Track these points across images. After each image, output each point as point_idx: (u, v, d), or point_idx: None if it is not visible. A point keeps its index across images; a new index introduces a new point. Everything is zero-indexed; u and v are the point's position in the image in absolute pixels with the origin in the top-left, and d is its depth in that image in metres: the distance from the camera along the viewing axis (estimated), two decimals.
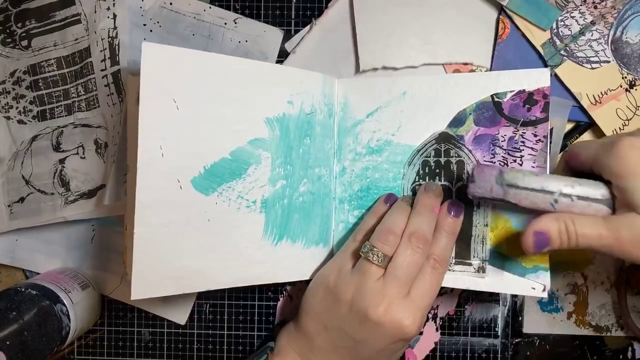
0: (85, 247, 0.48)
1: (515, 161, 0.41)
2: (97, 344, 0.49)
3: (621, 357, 0.48)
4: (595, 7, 0.44)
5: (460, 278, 0.42)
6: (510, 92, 0.42)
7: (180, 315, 0.48)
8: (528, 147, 0.41)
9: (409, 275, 0.38)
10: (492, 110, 0.42)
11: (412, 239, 0.38)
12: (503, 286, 0.41)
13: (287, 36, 0.47)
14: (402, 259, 0.38)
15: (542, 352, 0.44)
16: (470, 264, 0.42)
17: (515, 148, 0.42)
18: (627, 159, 0.33)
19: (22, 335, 0.39)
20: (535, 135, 0.41)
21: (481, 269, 0.41)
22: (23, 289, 0.42)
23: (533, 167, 0.41)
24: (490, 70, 0.46)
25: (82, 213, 0.47)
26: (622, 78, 0.44)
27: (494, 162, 0.42)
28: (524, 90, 0.41)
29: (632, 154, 0.33)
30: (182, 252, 0.38)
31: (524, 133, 0.41)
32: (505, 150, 0.42)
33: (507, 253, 0.41)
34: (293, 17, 0.47)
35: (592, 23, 0.44)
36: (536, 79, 0.41)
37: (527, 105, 0.41)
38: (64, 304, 0.43)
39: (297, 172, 0.43)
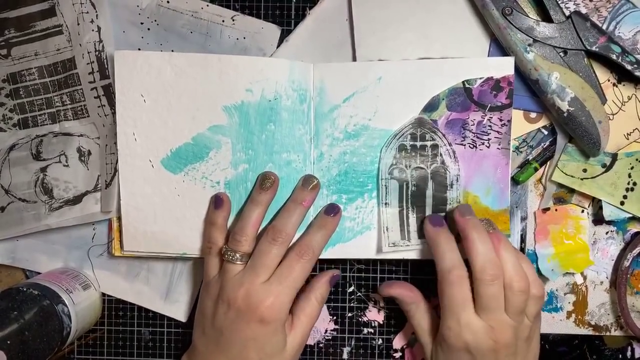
0: (87, 246, 0.49)
1: (483, 144, 0.44)
2: (97, 344, 0.49)
3: (620, 356, 0.48)
4: (591, 0, 0.44)
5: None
6: (480, 78, 0.44)
7: (181, 313, 0.49)
8: (494, 130, 0.44)
9: (264, 264, 0.41)
10: (463, 96, 0.44)
11: (269, 232, 0.42)
12: None
13: (286, 34, 0.47)
14: (257, 250, 0.42)
15: (542, 351, 0.43)
16: None
17: (483, 131, 0.44)
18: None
19: (22, 334, 0.40)
20: (501, 120, 0.44)
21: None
22: (25, 289, 0.42)
23: (499, 148, 0.44)
24: None
25: (67, 220, 0.47)
26: (611, 73, 0.44)
27: (464, 145, 0.44)
28: (492, 77, 0.44)
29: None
30: (159, 219, 0.46)
31: (491, 118, 0.44)
32: (474, 133, 0.44)
33: None
34: (293, 17, 0.47)
35: (586, 15, 0.44)
36: (502, 66, 0.44)
37: (493, 92, 0.44)
38: (65, 305, 0.43)
39: (261, 157, 0.45)
